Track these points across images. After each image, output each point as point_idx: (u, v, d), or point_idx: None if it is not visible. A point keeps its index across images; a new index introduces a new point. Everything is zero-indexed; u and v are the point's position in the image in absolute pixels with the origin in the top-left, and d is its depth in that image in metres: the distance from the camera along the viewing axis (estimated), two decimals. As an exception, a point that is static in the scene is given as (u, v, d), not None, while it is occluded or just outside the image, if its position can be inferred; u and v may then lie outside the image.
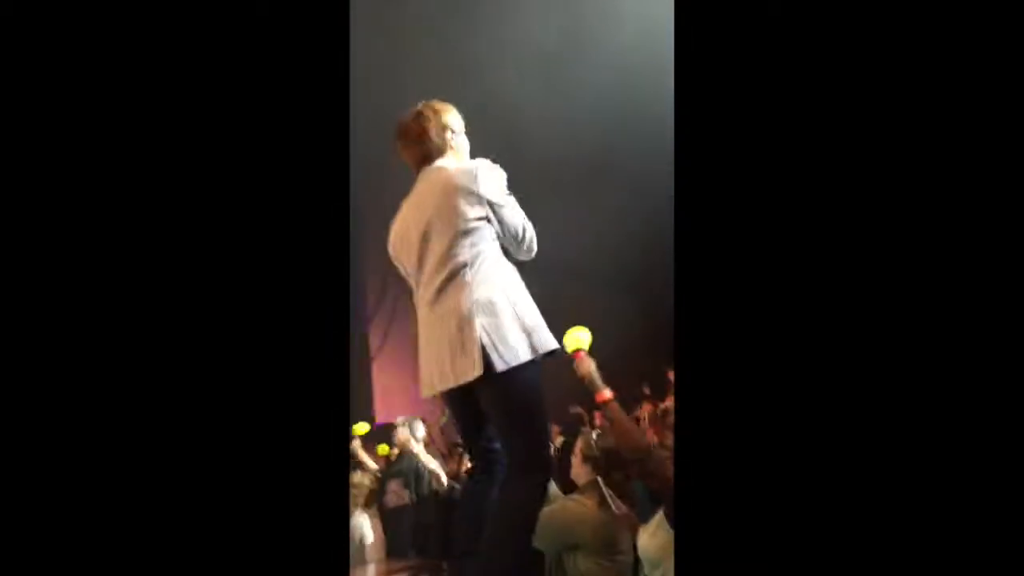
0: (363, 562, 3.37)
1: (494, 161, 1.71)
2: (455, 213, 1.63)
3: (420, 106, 1.74)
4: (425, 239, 1.66)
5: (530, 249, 1.78)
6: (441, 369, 1.65)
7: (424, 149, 1.70)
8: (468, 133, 1.79)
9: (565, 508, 2.18)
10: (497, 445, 1.78)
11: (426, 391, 1.73)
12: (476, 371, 1.59)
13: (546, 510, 2.24)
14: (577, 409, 4.52)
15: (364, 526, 3.45)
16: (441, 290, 1.65)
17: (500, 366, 1.59)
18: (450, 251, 1.63)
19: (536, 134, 6.00)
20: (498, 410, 1.68)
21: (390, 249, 1.77)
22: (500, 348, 1.61)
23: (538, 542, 2.16)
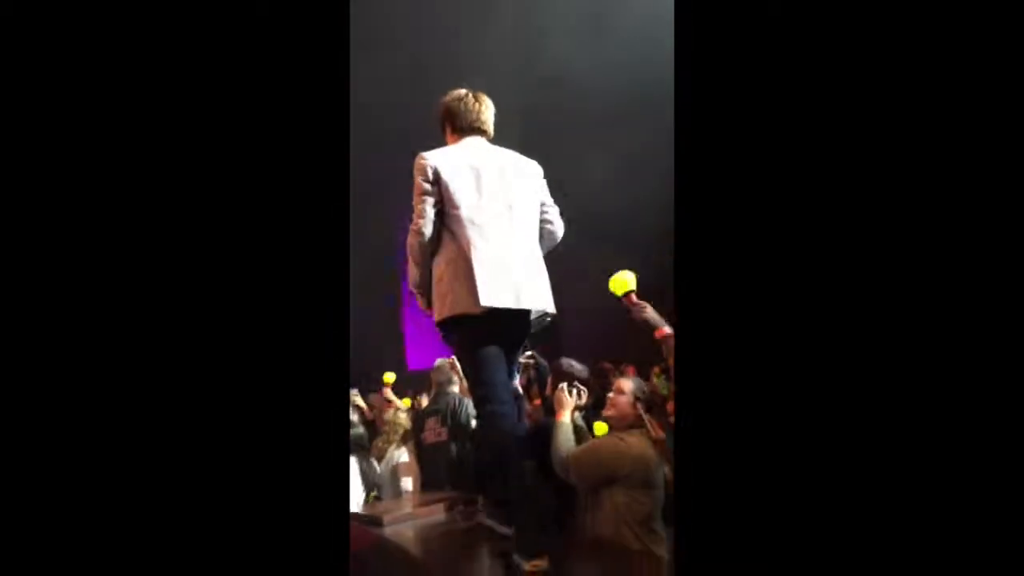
0: (399, 495, 3.50)
1: None
2: (535, 182, 2.07)
3: (476, 93, 2.10)
4: (500, 186, 1.96)
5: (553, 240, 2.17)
6: (523, 292, 1.90)
7: (478, 125, 2.08)
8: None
9: (603, 443, 2.24)
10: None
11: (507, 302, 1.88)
12: (550, 304, 1.99)
13: (584, 445, 2.31)
14: (607, 364, 4.63)
15: (400, 460, 3.58)
16: (510, 232, 1.94)
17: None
18: (526, 206, 2.01)
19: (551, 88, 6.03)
20: (520, 346, 2.08)
21: (437, 166, 1.94)
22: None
23: (575, 476, 2.23)
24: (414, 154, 2.00)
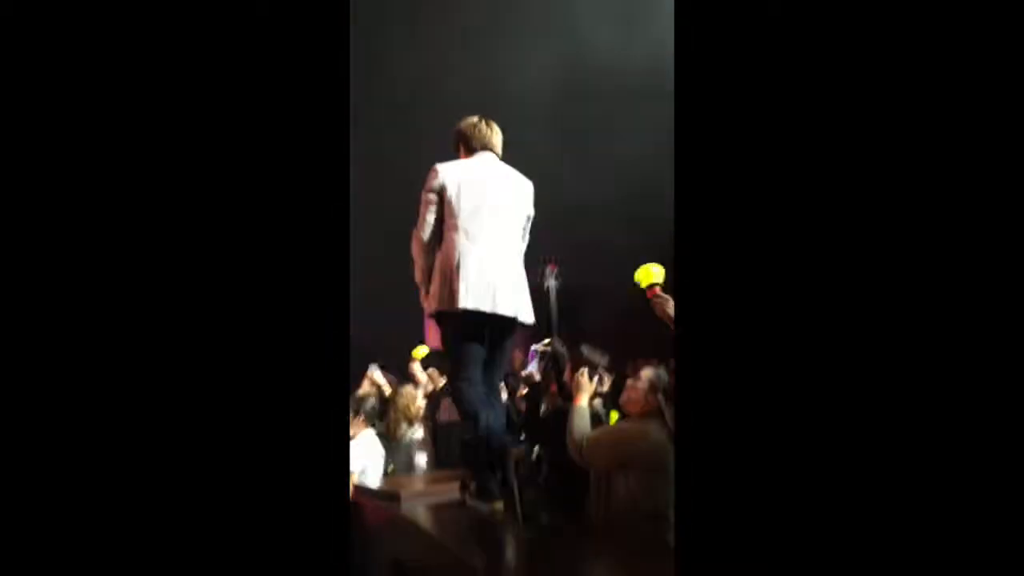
0: (413, 471, 3.54)
1: None
2: (527, 201, 2.38)
3: (487, 120, 2.40)
4: (497, 203, 2.24)
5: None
6: (491, 295, 2.15)
7: (489, 147, 2.37)
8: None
9: (620, 428, 2.25)
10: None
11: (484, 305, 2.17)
12: (530, 318, 2.27)
13: (601, 429, 2.32)
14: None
15: (415, 437, 3.61)
16: (497, 242, 2.21)
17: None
18: (516, 220, 2.31)
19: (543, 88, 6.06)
20: (505, 344, 2.33)
21: (446, 181, 2.23)
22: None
23: (589, 459, 2.24)
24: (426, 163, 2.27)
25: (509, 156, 2.43)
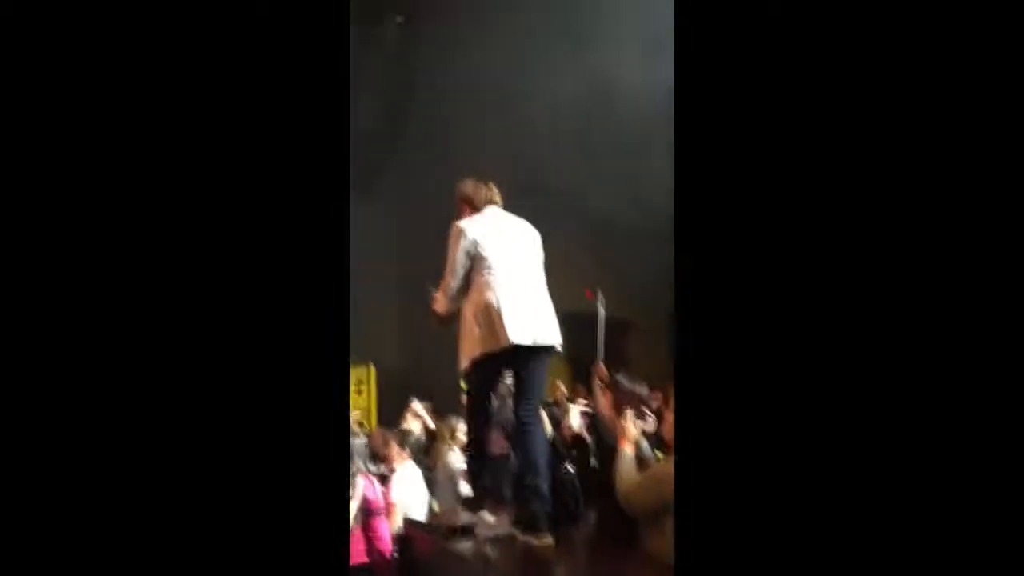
0: (458, 504, 3.59)
1: None
2: (539, 241, 2.57)
3: (484, 181, 2.62)
4: (518, 248, 2.46)
5: None
6: (532, 328, 2.32)
7: (494, 200, 2.59)
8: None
9: (659, 473, 2.24)
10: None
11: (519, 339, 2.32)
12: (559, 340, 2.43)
13: (640, 477, 2.32)
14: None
15: (459, 468, 3.66)
16: (526, 281, 2.42)
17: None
18: (536, 259, 2.53)
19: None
20: (543, 373, 2.49)
21: (476, 238, 2.41)
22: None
23: (634, 508, 2.26)
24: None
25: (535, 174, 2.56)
